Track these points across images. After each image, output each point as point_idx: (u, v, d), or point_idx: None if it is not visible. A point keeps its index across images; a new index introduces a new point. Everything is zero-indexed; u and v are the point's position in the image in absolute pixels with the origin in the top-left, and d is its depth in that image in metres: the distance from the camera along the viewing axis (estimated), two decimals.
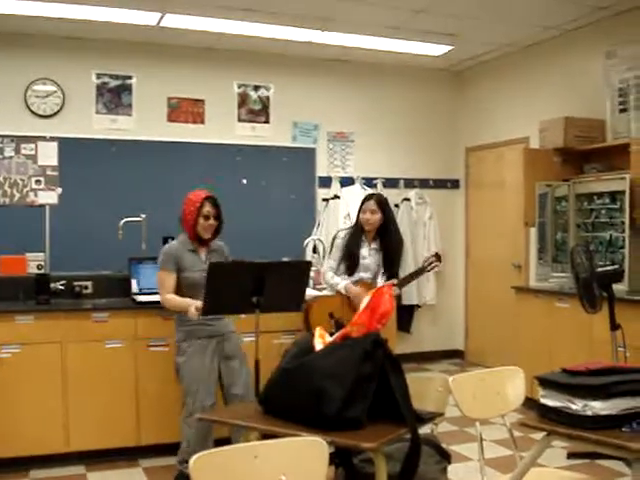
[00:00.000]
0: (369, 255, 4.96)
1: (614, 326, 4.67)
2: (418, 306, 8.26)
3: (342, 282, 4.89)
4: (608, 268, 4.95)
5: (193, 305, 4.11)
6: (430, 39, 7.14)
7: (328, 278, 4.97)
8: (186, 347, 4.37)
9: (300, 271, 4.25)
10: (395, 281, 4.82)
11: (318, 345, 2.80)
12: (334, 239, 5.25)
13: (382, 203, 4.96)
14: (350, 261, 4.93)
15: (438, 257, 4.91)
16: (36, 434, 4.77)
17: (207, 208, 4.35)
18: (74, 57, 6.96)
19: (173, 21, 6.48)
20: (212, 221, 4.38)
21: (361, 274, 4.94)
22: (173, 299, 4.34)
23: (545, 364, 5.14)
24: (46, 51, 6.90)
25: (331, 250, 5.28)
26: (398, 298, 7.54)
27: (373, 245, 4.98)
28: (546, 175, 6.49)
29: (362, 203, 5.00)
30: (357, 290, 4.82)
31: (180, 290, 4.37)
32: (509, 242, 7.66)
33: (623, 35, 6.10)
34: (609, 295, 4.65)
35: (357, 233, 4.98)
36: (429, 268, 4.89)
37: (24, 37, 6.75)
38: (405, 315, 8.03)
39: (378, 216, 4.91)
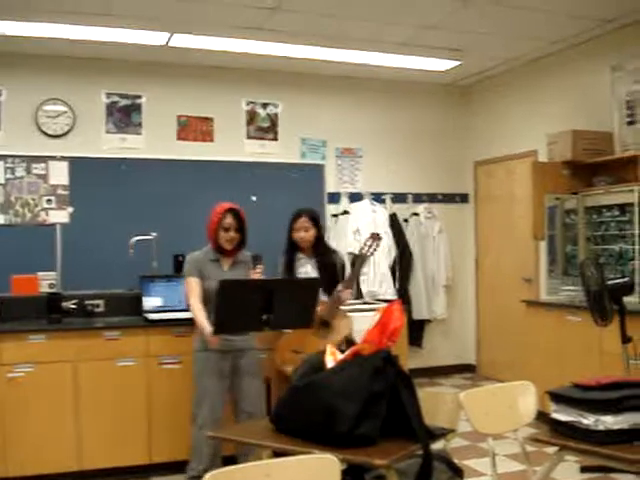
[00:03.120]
0: (313, 272, 4.78)
1: (625, 339, 4.66)
2: (429, 321, 8.25)
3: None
4: (618, 281, 4.93)
5: (208, 331, 4.13)
6: (437, 55, 7.16)
7: None
8: (201, 358, 4.43)
9: (309, 288, 4.25)
10: (340, 286, 4.62)
11: (329, 363, 2.81)
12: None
13: (314, 217, 4.83)
14: None
15: (374, 236, 4.65)
16: (48, 453, 4.79)
17: (228, 220, 4.43)
18: (84, 77, 7.02)
19: (181, 41, 6.53)
20: (233, 233, 4.45)
21: None
22: (196, 313, 4.35)
23: (557, 377, 5.11)
24: (56, 72, 6.96)
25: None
26: (408, 313, 7.57)
27: (314, 260, 4.82)
28: (555, 188, 6.48)
29: (292, 221, 4.81)
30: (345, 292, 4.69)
31: (203, 299, 4.42)
32: (519, 256, 7.65)
33: (629, 48, 6.10)
34: (620, 308, 4.64)
35: (290, 254, 4.83)
36: (369, 253, 4.62)
37: (34, 58, 6.82)
38: (416, 330, 8.02)
39: (312, 232, 4.78)
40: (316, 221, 4.83)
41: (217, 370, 4.41)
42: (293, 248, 4.84)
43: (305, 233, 4.77)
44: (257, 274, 4.40)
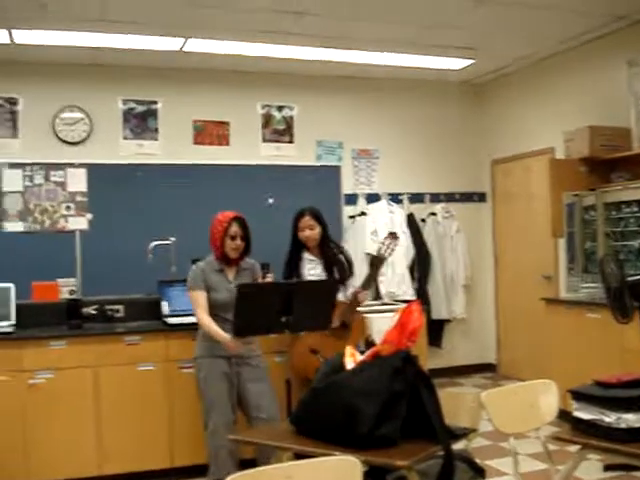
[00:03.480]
0: (322, 272, 4.76)
1: None
2: (448, 320, 8.23)
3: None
4: (639, 277, 4.89)
5: (229, 340, 4.13)
6: (450, 54, 7.15)
7: None
8: (204, 364, 4.42)
9: (327, 289, 4.25)
10: (358, 287, 4.64)
11: (349, 364, 2.81)
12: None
13: (317, 215, 4.80)
14: None
15: (392, 236, 4.64)
16: (70, 458, 4.82)
17: (234, 228, 4.41)
18: (100, 84, 7.07)
19: (196, 46, 6.56)
20: (239, 241, 4.43)
21: None
22: (208, 326, 4.34)
23: (577, 375, 5.07)
24: (73, 79, 7.02)
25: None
26: (427, 313, 7.55)
27: (321, 260, 4.80)
28: (573, 185, 6.45)
29: (296, 220, 4.79)
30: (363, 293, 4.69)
31: (209, 310, 4.41)
32: (538, 253, 7.61)
33: None
34: None
35: (295, 253, 4.81)
36: (387, 253, 4.62)
37: (51, 66, 6.88)
38: (436, 330, 8.00)
39: (317, 230, 4.77)
40: (319, 219, 4.80)
41: (223, 374, 4.41)
42: (298, 248, 4.82)
43: (310, 231, 4.75)
44: (268, 279, 4.43)
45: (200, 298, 4.41)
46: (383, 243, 4.64)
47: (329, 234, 4.88)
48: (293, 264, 4.78)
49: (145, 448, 4.97)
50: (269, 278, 4.42)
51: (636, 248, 5.97)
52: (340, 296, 4.66)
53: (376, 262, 4.75)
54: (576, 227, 6.55)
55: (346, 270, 4.82)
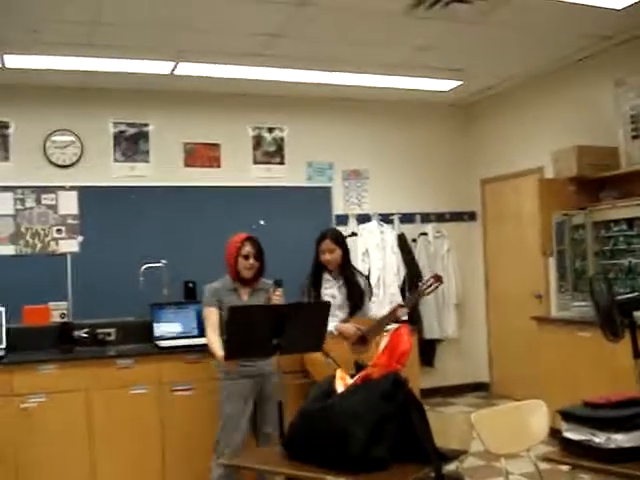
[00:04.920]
0: (339, 293, 4.84)
1: (637, 354, 4.62)
2: (440, 340, 8.24)
3: (331, 324, 4.57)
4: (628, 295, 4.91)
5: (220, 356, 4.22)
6: (438, 75, 7.21)
7: None
8: (225, 386, 4.47)
9: (319, 312, 4.26)
10: (402, 302, 4.76)
11: (339, 387, 2.82)
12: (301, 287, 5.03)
13: (338, 239, 4.89)
14: None
15: (438, 278, 4.70)
16: None
17: (247, 248, 4.51)
18: (91, 107, 7.09)
19: (186, 69, 6.60)
20: (252, 261, 4.51)
21: (337, 313, 4.76)
22: (209, 342, 4.44)
23: (569, 394, 5.09)
24: (64, 102, 7.04)
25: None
26: (419, 332, 7.56)
27: (341, 282, 4.87)
28: (562, 204, 6.49)
29: (317, 244, 4.86)
30: (346, 327, 4.74)
31: (221, 328, 4.46)
32: (529, 272, 7.64)
33: (631, 63, 6.14)
34: (631, 322, 4.62)
35: (316, 275, 4.87)
36: (429, 290, 4.69)
37: (42, 90, 6.90)
38: (428, 349, 8.01)
39: (339, 253, 4.83)
40: (340, 242, 4.88)
41: (239, 398, 4.44)
42: (319, 270, 4.88)
43: (330, 255, 4.82)
44: (277, 297, 4.44)
45: (211, 315, 4.51)
46: (427, 281, 4.70)
47: (349, 257, 4.97)
48: (315, 285, 4.84)
49: (137, 471, 4.94)
50: (278, 294, 4.45)
51: (626, 266, 6.00)
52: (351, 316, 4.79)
53: (414, 295, 4.98)
54: (566, 246, 6.58)
55: (363, 294, 4.90)
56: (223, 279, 4.61)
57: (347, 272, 4.90)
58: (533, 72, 7.26)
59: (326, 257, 4.82)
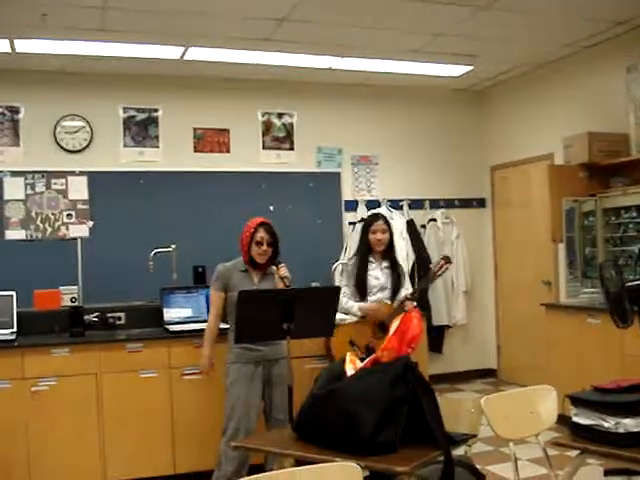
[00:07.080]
0: (382, 275, 4.93)
1: None
2: (449, 326, 8.24)
3: (355, 304, 4.83)
4: (638, 282, 4.90)
5: (205, 360, 4.47)
6: (449, 60, 7.18)
7: (342, 304, 4.82)
8: (233, 370, 4.48)
9: (329, 297, 4.27)
10: (409, 294, 4.77)
11: (349, 371, 2.83)
12: (342, 268, 5.22)
13: (388, 221, 5.03)
14: (360, 285, 4.89)
15: (447, 259, 4.78)
16: (73, 465, 4.84)
17: (260, 234, 4.48)
18: (101, 93, 7.10)
19: (196, 54, 6.59)
20: (265, 247, 4.49)
21: (378, 295, 4.89)
22: (206, 332, 4.58)
23: (578, 380, 5.10)
24: (74, 88, 7.04)
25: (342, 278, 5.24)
26: (428, 319, 7.56)
27: (384, 264, 4.97)
28: (572, 191, 6.48)
29: (369, 224, 4.99)
30: (370, 305, 4.83)
31: (228, 308, 4.50)
32: (538, 259, 7.63)
33: None
34: None
35: (365, 256, 4.96)
36: (440, 272, 4.78)
37: (52, 75, 6.91)
38: (436, 336, 8.01)
39: (388, 234, 4.95)
40: (389, 224, 5.00)
41: (249, 382, 4.45)
42: (367, 251, 4.96)
43: (382, 235, 4.91)
44: (282, 269, 4.49)
45: (215, 299, 4.57)
46: (438, 263, 4.77)
47: (394, 240, 5.11)
48: (363, 264, 4.93)
49: (148, 455, 4.98)
50: (282, 266, 4.52)
51: (635, 253, 5.99)
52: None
53: (425, 278, 5.05)
54: (576, 232, 6.57)
55: (401, 278, 4.99)
56: (237, 260, 4.62)
57: (392, 254, 5.02)
58: (544, 58, 7.22)
59: (377, 236, 4.91)
